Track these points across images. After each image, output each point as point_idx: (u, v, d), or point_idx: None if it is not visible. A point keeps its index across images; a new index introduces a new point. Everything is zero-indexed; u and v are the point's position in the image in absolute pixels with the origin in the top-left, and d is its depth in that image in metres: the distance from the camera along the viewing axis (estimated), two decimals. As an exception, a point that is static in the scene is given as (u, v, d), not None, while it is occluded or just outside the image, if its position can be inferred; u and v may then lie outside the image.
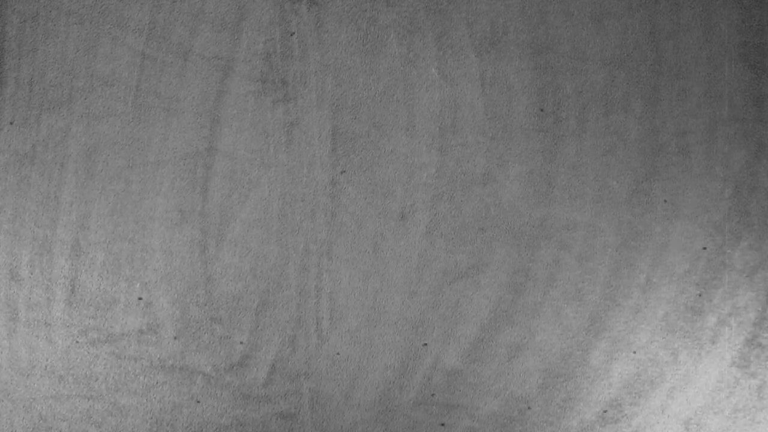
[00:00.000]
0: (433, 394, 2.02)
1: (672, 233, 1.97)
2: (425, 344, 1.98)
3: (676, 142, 1.96)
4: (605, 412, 2.03)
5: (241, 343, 1.97)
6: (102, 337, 1.95)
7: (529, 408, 2.02)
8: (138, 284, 1.94)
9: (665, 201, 1.95)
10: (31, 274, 1.93)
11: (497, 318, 1.99)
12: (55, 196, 1.91)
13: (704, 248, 1.96)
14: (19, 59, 1.89)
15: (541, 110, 1.93)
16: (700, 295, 1.97)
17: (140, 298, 1.93)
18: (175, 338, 1.96)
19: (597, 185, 1.97)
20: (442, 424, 2.02)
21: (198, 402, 1.98)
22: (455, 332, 1.99)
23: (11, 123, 1.87)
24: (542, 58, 1.95)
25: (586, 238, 1.97)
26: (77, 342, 1.95)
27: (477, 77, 1.95)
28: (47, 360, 1.97)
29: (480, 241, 1.97)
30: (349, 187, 1.95)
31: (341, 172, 1.91)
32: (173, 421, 1.99)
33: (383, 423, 2.02)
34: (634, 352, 2.01)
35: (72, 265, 1.93)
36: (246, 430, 2.00)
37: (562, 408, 2.02)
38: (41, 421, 2.01)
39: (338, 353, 1.99)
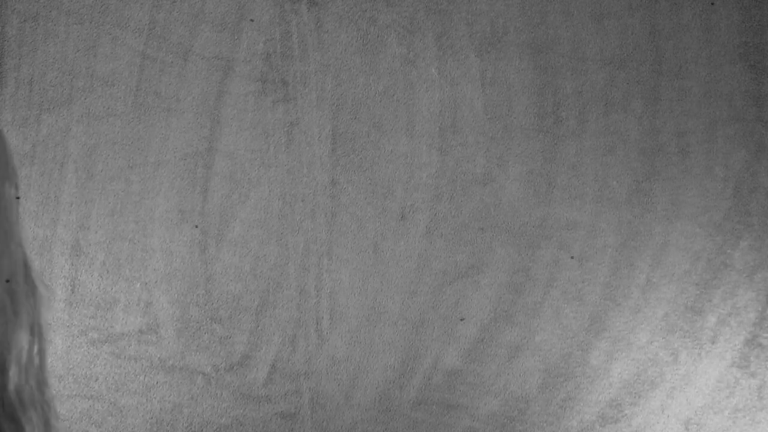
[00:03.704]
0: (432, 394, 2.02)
1: (672, 233, 1.97)
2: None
3: (676, 142, 1.97)
4: (605, 412, 2.03)
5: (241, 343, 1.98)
6: (102, 337, 1.95)
7: (528, 408, 2.03)
8: (138, 284, 1.94)
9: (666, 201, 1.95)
10: (31, 274, 1.93)
11: (497, 318, 1.99)
12: (55, 196, 1.91)
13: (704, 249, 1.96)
14: (19, 59, 1.89)
15: (541, 109, 1.93)
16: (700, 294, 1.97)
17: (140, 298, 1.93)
18: (175, 338, 1.96)
19: (597, 185, 1.97)
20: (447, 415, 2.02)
21: (198, 402, 1.99)
22: (455, 332, 1.99)
23: (11, 123, 1.87)
24: (542, 58, 1.95)
25: (586, 238, 1.97)
26: (77, 342, 1.95)
27: (477, 77, 1.95)
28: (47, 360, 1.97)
29: (480, 241, 1.97)
30: (349, 187, 1.95)
31: (341, 172, 1.91)
32: (173, 421, 1.99)
33: (383, 423, 2.02)
34: (634, 352, 2.01)
35: (72, 265, 1.93)
36: (246, 430, 2.00)
37: (562, 408, 2.02)
38: (41, 421, 2.00)
39: (338, 353, 1.99)
